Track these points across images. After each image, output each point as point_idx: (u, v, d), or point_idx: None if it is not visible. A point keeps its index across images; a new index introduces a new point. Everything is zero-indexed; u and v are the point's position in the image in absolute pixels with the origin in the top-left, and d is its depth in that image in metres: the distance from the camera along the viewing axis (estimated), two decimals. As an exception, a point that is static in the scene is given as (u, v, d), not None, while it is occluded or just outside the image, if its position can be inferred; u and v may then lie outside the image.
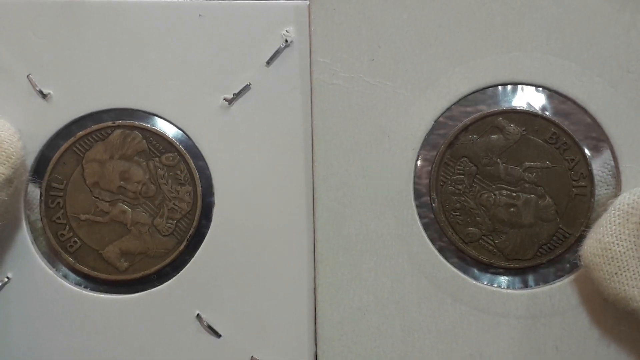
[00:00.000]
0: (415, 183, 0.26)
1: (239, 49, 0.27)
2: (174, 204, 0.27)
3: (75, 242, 0.27)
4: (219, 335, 0.27)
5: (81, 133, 0.27)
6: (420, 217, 0.25)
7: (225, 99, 0.27)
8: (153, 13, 0.27)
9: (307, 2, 0.27)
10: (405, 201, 0.25)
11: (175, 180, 0.27)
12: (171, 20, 0.27)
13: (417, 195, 0.26)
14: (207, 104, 0.27)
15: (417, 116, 0.25)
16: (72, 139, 0.27)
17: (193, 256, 0.27)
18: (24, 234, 0.27)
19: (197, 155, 0.27)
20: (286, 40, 0.26)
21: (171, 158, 0.27)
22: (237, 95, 0.27)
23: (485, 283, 0.25)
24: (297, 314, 0.26)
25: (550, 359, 0.24)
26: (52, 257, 0.27)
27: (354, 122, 0.26)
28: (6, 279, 0.26)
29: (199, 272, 0.27)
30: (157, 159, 0.27)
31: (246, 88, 0.27)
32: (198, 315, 0.27)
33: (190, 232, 0.27)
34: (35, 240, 0.27)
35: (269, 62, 0.27)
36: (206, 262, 0.27)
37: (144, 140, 0.27)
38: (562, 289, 0.25)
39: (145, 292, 0.27)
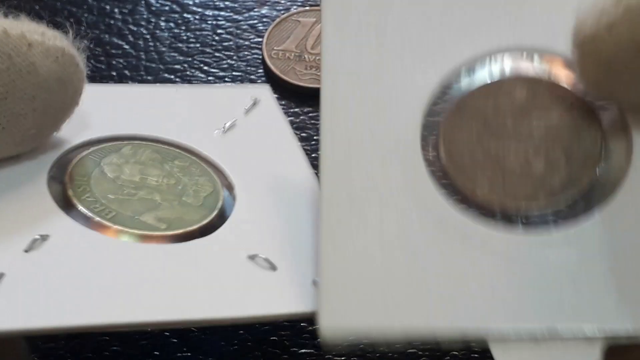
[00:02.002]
0: (423, 136, 0.26)
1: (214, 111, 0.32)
2: (196, 188, 0.28)
3: (110, 211, 0.26)
4: (275, 268, 0.26)
5: (94, 147, 0.28)
6: (429, 168, 0.26)
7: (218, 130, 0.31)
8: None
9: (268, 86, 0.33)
10: (413, 152, 0.26)
11: (192, 175, 0.29)
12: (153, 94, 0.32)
13: (425, 147, 0.26)
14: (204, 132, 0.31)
15: (425, 80, 0.27)
16: (86, 151, 0.28)
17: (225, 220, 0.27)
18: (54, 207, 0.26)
19: (206, 160, 0.29)
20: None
21: (184, 160, 0.29)
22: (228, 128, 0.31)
23: (497, 229, 0.25)
24: None
25: (567, 293, 0.23)
26: (89, 222, 0.26)
27: (362, 83, 0.27)
28: (40, 237, 0.24)
29: (240, 223, 0.27)
30: (171, 162, 0.29)
31: (233, 123, 0.31)
32: (249, 255, 0.26)
33: (219, 204, 0.28)
34: (68, 213, 0.26)
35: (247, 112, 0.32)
36: (242, 219, 0.27)
37: (155, 152, 0.29)
38: (577, 232, 0.24)
39: (192, 241, 0.26)
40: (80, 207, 0.26)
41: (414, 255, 0.24)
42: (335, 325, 0.23)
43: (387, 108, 0.27)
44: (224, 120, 0.31)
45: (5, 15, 0.25)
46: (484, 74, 0.27)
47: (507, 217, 0.25)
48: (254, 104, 0.32)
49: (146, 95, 0.32)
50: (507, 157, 0.26)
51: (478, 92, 0.27)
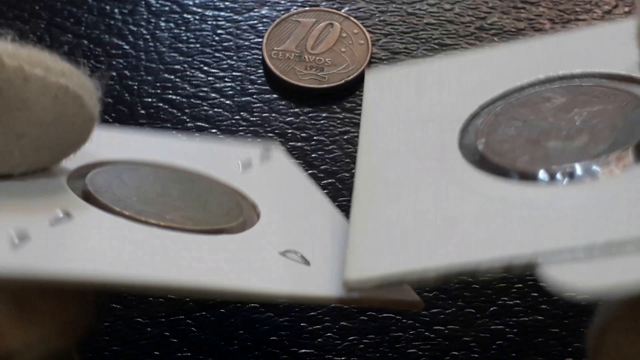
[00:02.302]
0: (460, 139, 0.27)
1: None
2: (219, 202, 0.28)
3: (135, 207, 0.26)
4: (309, 263, 0.26)
5: (110, 167, 0.28)
6: (466, 158, 0.26)
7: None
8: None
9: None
10: (450, 147, 0.26)
11: (213, 193, 0.29)
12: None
13: (463, 144, 0.27)
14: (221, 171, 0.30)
15: (462, 103, 0.28)
16: (100, 168, 0.27)
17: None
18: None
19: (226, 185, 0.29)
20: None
21: (204, 182, 0.29)
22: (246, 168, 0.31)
23: (540, 185, 0.24)
24: None
25: (623, 216, 0.22)
26: (115, 213, 0.25)
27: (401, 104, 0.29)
28: (65, 215, 0.24)
29: (268, 227, 0.27)
30: (190, 183, 0.29)
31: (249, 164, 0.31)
32: (281, 252, 0.26)
33: (244, 213, 0.27)
34: (93, 205, 0.25)
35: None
36: (269, 225, 0.27)
37: (173, 172, 0.29)
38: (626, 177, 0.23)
39: (221, 235, 0.26)
40: (105, 201, 0.25)
41: (449, 213, 0.24)
42: (363, 268, 0.22)
43: (425, 121, 0.27)
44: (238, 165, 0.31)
45: (13, 40, 0.23)
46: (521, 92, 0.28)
47: (551, 176, 0.24)
48: (267, 157, 0.31)
49: (155, 145, 0.31)
50: (550, 138, 0.25)
51: (517, 102, 0.27)
